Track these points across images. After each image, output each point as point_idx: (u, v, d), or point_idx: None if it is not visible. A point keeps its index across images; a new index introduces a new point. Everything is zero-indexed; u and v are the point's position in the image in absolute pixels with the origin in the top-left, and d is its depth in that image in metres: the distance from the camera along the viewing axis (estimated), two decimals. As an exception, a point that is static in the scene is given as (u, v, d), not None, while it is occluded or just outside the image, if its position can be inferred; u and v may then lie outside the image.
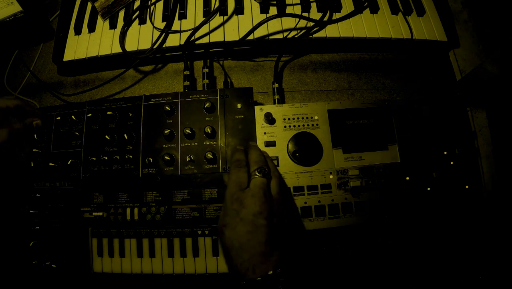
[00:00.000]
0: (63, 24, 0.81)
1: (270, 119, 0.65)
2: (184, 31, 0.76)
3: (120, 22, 0.79)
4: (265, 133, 0.65)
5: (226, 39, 0.74)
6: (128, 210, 0.62)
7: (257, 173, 0.54)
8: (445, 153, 0.65)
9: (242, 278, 0.47)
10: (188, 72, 0.75)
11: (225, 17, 0.77)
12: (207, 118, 0.65)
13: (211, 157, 0.62)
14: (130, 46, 0.76)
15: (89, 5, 0.82)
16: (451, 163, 0.64)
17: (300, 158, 0.63)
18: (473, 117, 0.71)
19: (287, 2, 0.78)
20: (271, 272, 0.45)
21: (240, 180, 0.54)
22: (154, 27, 0.77)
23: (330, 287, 0.65)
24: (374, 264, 0.64)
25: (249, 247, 0.48)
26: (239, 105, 0.65)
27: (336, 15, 0.77)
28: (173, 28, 0.77)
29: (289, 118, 0.66)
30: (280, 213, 0.52)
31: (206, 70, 0.74)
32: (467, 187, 0.63)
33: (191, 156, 0.63)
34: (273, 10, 0.78)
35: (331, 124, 0.65)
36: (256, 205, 0.50)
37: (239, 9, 0.77)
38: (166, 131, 0.63)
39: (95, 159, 0.64)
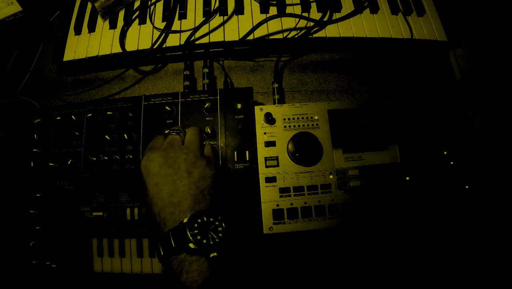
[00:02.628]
0: (63, 24, 0.81)
1: (270, 119, 0.65)
2: (184, 31, 0.75)
3: (120, 22, 0.79)
4: (265, 133, 0.65)
5: (226, 39, 0.74)
6: (128, 210, 0.62)
7: (171, 132, 0.53)
8: (445, 153, 0.65)
9: (158, 233, 0.46)
10: (188, 72, 0.75)
11: (225, 17, 0.77)
12: (207, 119, 0.65)
13: (211, 157, 0.62)
14: (130, 46, 0.76)
15: (89, 5, 0.82)
16: (451, 163, 0.64)
17: (300, 158, 0.63)
18: (473, 117, 0.71)
19: (287, 2, 0.78)
20: (184, 221, 0.44)
21: (154, 143, 0.53)
22: (154, 27, 0.77)
23: (330, 287, 0.65)
24: (374, 264, 0.64)
25: (157, 199, 0.46)
26: (239, 105, 0.65)
27: (336, 15, 0.77)
28: (173, 28, 0.77)
29: (289, 118, 0.66)
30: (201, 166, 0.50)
31: (206, 70, 0.74)
32: (467, 187, 0.63)
33: (191, 156, 0.63)
34: (273, 10, 0.78)
35: (331, 124, 0.65)
36: (161, 156, 0.49)
37: (239, 9, 0.77)
38: (166, 132, 0.63)
39: (95, 159, 0.64)
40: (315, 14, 0.77)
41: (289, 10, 0.78)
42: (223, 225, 0.46)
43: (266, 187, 0.62)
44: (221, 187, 0.53)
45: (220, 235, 0.44)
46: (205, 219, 0.44)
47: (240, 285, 0.47)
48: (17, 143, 0.67)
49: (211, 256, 0.43)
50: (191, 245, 0.42)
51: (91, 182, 0.64)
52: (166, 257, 0.43)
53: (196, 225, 0.43)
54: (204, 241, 0.43)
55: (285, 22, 0.75)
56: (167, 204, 0.46)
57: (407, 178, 0.63)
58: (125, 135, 0.64)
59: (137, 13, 0.79)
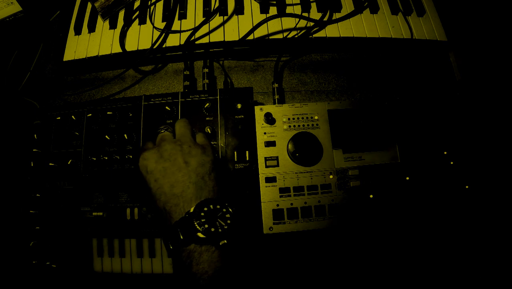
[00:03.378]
0: (63, 24, 0.81)
1: (270, 119, 0.65)
2: (184, 31, 0.76)
3: (120, 22, 0.79)
4: (265, 133, 0.65)
5: (226, 39, 0.74)
6: (128, 210, 0.62)
7: (160, 131, 0.54)
8: (445, 153, 0.65)
9: (165, 227, 0.45)
10: (188, 72, 0.75)
11: (225, 17, 0.77)
12: (207, 119, 0.65)
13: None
14: (130, 46, 0.76)
15: (89, 5, 0.82)
16: (451, 163, 0.64)
17: (300, 158, 0.63)
18: (473, 116, 0.71)
19: (287, 2, 0.78)
20: (191, 210, 0.43)
21: (146, 146, 0.53)
22: (154, 27, 0.77)
23: (330, 287, 0.65)
24: (374, 264, 0.64)
25: (160, 194, 0.46)
26: (239, 105, 0.65)
27: (336, 15, 0.77)
28: (173, 28, 0.77)
29: (289, 118, 0.66)
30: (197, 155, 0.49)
31: (206, 70, 0.74)
32: (467, 187, 0.63)
33: (191, 156, 0.63)
34: (273, 10, 0.78)
35: (331, 124, 0.65)
36: (156, 152, 0.49)
37: (239, 9, 0.77)
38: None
39: (95, 159, 0.64)
40: (315, 14, 0.77)
41: (289, 10, 0.78)
42: (230, 210, 0.45)
43: (266, 187, 0.62)
44: (222, 173, 0.53)
45: (229, 221, 0.44)
46: (211, 207, 0.44)
47: (240, 284, 0.47)
48: (17, 143, 0.67)
49: (221, 244, 0.42)
50: (200, 235, 0.41)
51: (91, 182, 0.64)
52: (175, 250, 0.43)
53: (202, 214, 0.42)
54: (213, 230, 0.42)
55: (285, 22, 0.75)
56: (170, 196, 0.45)
57: (407, 178, 0.63)
58: (125, 135, 0.64)
59: (137, 13, 0.79)
